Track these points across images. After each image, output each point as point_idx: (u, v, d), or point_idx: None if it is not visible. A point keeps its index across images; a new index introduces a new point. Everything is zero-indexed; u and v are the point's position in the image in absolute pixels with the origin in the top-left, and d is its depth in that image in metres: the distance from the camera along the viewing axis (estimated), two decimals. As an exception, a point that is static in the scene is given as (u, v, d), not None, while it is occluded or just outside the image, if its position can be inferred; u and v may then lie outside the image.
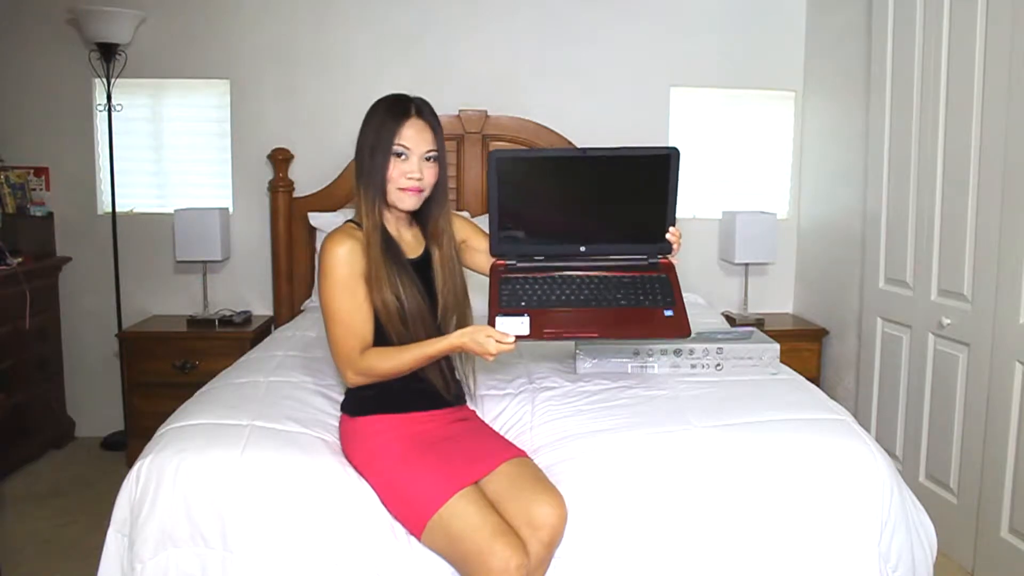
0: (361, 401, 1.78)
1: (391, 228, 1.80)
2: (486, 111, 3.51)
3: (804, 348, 3.46)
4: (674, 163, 1.78)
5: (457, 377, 1.89)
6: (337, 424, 1.88)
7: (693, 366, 2.19)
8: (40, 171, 3.51)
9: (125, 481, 1.69)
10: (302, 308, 3.36)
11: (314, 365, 2.28)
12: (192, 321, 3.43)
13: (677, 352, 2.19)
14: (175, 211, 3.37)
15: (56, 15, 3.43)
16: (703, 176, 3.74)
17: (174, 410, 1.94)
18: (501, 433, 1.90)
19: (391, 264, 1.74)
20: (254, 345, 2.76)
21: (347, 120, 3.31)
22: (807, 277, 3.75)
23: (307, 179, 3.54)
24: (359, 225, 1.77)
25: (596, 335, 1.72)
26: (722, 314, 3.44)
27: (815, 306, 3.66)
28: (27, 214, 3.39)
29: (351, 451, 1.76)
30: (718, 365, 2.20)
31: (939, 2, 2.55)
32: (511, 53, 3.60)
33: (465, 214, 3.27)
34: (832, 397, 2.30)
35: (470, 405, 1.95)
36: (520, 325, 1.66)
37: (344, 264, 1.70)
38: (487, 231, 1.87)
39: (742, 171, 3.77)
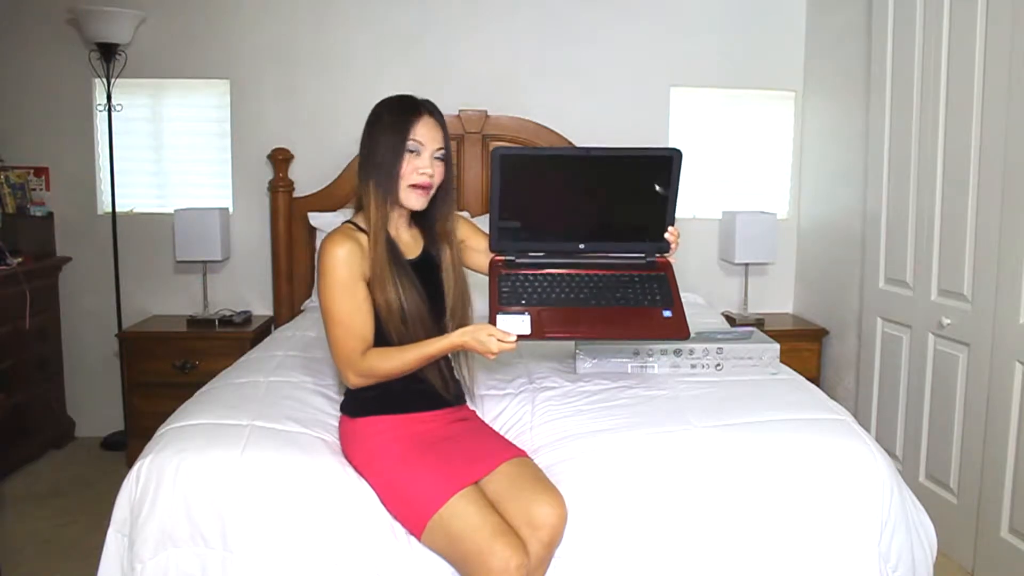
0: (361, 402, 1.77)
1: (391, 228, 1.80)
2: (486, 111, 3.51)
3: (804, 348, 3.46)
4: (676, 165, 1.78)
5: (456, 376, 1.89)
6: (337, 424, 1.88)
7: (693, 366, 2.19)
8: (40, 171, 3.51)
9: (125, 481, 1.69)
10: (302, 308, 3.36)
11: (314, 365, 2.28)
12: (192, 321, 3.43)
13: (677, 352, 2.19)
14: (175, 211, 3.37)
15: (56, 15, 3.43)
16: (703, 176, 3.74)
17: (174, 410, 1.94)
18: (501, 433, 1.90)
19: (392, 264, 1.74)
20: (254, 345, 2.76)
21: (347, 120, 3.33)
22: (807, 277, 3.75)
23: (307, 179, 3.54)
24: (357, 226, 1.77)
25: (597, 336, 1.72)
26: (722, 314, 3.44)
27: (815, 306, 3.66)
28: (27, 214, 3.39)
29: (351, 452, 1.76)
30: (718, 365, 2.19)
31: (939, 2, 2.55)
32: (511, 53, 3.60)
33: (465, 214, 3.25)
34: (832, 397, 2.29)
35: (470, 405, 1.95)
36: (521, 324, 1.67)
37: (343, 265, 1.69)
38: (486, 231, 1.88)
39: (742, 171, 3.77)
